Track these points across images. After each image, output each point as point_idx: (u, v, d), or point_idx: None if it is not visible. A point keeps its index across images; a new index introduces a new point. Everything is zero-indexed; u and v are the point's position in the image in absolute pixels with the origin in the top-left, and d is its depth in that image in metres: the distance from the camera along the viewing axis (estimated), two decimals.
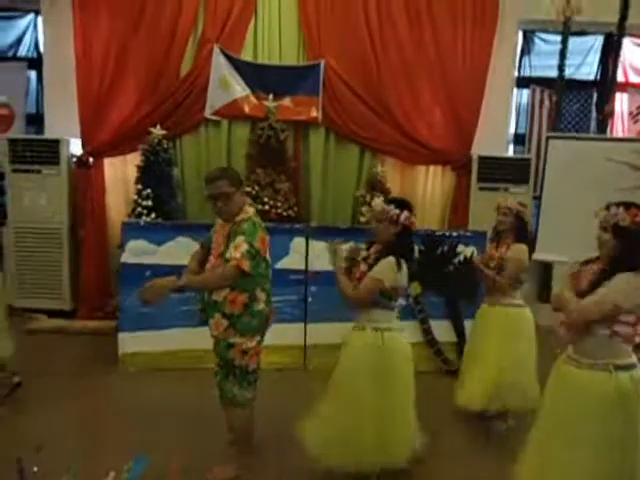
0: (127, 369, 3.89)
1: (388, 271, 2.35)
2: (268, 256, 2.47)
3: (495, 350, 2.99)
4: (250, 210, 2.45)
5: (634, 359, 1.95)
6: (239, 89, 4.89)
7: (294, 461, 2.62)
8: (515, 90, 5.50)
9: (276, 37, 4.96)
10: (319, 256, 3.99)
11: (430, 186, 5.22)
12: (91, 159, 4.93)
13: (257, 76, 4.88)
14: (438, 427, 2.97)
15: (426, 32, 4.90)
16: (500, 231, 3.14)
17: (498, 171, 4.96)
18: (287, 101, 4.88)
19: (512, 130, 5.60)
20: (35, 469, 1.29)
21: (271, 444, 2.84)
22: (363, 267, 2.43)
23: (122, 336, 3.95)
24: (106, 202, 5.05)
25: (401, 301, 2.50)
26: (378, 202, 2.49)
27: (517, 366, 2.97)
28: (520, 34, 5.42)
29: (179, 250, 3.84)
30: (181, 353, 3.93)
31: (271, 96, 4.77)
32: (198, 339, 3.61)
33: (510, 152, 5.58)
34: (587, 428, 1.89)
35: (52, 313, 4.83)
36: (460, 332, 4.03)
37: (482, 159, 4.96)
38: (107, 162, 5.02)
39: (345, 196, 5.10)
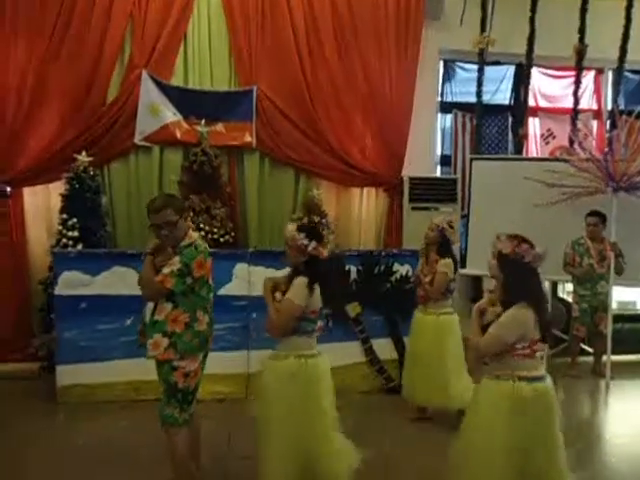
0: (65, 402, 3.72)
1: (300, 290, 2.37)
2: (211, 281, 2.50)
3: (427, 352, 3.43)
4: (194, 235, 2.49)
5: (539, 372, 2.18)
6: (170, 114, 4.80)
7: None
8: (439, 115, 5.83)
9: (207, 62, 4.95)
10: (261, 281, 3.95)
11: (365, 207, 5.36)
12: (8, 188, 4.61)
13: (188, 101, 4.82)
14: (380, 441, 3.09)
15: (354, 61, 5.09)
16: (427, 244, 3.56)
17: (428, 191, 5.20)
18: (220, 126, 4.85)
19: (439, 152, 5.90)
20: None
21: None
22: (278, 296, 2.45)
23: (60, 369, 3.81)
24: (26, 234, 4.72)
25: (320, 323, 2.53)
26: (290, 228, 2.49)
27: (443, 365, 3.39)
28: (441, 63, 5.77)
29: (117, 280, 3.78)
30: (119, 385, 3.83)
31: (203, 121, 4.72)
32: (136, 370, 3.61)
33: (438, 173, 5.86)
34: (495, 427, 2.11)
35: None
36: (401, 348, 4.11)
37: (412, 180, 5.18)
38: (27, 191, 4.72)
39: (282, 219, 5.07)
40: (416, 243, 4.30)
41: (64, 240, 4.26)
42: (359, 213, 5.36)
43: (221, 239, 4.56)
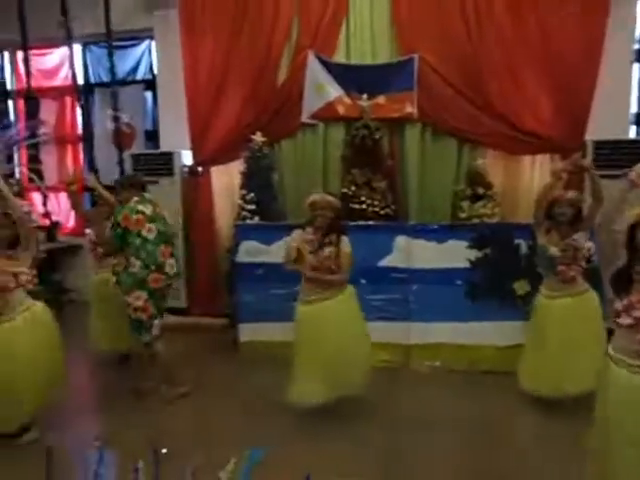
0: (245, 355, 4.24)
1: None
2: (145, 232, 3.35)
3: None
4: (132, 200, 3.44)
5: None
6: (333, 91, 4.96)
7: None
8: (636, 65, 4.92)
9: (368, 36, 4.96)
10: (421, 254, 3.96)
11: (537, 177, 4.86)
12: (200, 168, 5.33)
13: (350, 77, 4.92)
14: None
15: (526, 10, 4.55)
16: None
17: (619, 156, 4.47)
18: (381, 99, 4.85)
19: (634, 109, 5.02)
20: (164, 450, 1.43)
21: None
22: (327, 251, 3.09)
23: (241, 327, 4.34)
24: (214, 208, 5.43)
25: None
26: (322, 196, 3.23)
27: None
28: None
29: None
30: (289, 344, 4.15)
31: (365, 95, 4.79)
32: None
33: (632, 134, 5.01)
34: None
35: (169, 311, 5.31)
36: None
37: (598, 144, 4.51)
38: (214, 170, 5.39)
39: (444, 192, 4.94)
40: (601, 215, 3.79)
41: (243, 213, 4.79)
42: (530, 183, 4.88)
43: (381, 212, 4.62)
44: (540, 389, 3.25)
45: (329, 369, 3.04)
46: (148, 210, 3.43)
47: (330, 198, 3.21)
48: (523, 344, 3.61)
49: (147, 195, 3.61)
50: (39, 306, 3.05)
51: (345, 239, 3.15)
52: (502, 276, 3.93)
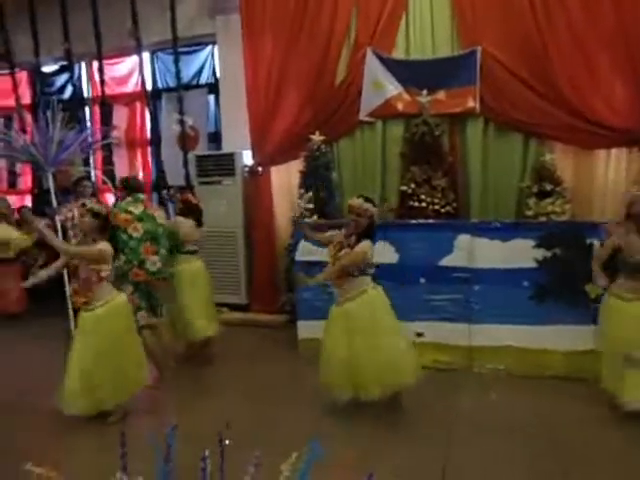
0: (304, 352, 4.30)
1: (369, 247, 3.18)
2: (131, 230, 3.69)
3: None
4: (125, 200, 3.87)
5: None
6: (391, 88, 4.90)
7: None
8: None
9: (428, 30, 4.86)
10: (484, 253, 3.85)
11: (612, 172, 4.53)
12: (260, 168, 5.46)
13: (409, 73, 4.84)
14: None
15: None
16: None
17: None
18: (441, 94, 4.74)
19: None
20: (227, 442, 1.48)
21: None
22: (343, 253, 3.21)
23: (300, 324, 4.41)
24: (274, 206, 5.53)
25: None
26: (357, 201, 3.25)
27: None
28: None
29: None
30: None
31: (425, 91, 4.70)
32: None
33: None
34: None
35: (230, 307, 5.49)
36: None
37: None
38: (274, 170, 5.50)
39: (508, 189, 4.75)
40: None
41: (302, 211, 4.85)
42: (605, 179, 4.57)
43: (442, 210, 4.52)
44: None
45: (349, 370, 3.14)
46: (137, 210, 3.77)
47: (367, 205, 3.21)
48: (594, 349, 3.41)
49: (140, 196, 3.93)
50: (122, 297, 3.40)
51: (366, 242, 3.15)
52: (573, 277, 3.72)
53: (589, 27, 4.34)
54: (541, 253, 3.81)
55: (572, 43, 4.40)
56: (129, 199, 3.86)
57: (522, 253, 3.84)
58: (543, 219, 4.26)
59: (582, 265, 3.65)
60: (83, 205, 3.34)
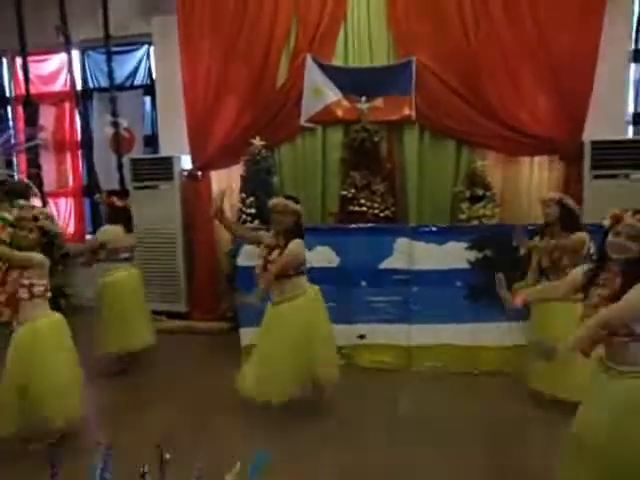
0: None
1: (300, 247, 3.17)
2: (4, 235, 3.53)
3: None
4: None
5: None
6: (331, 94, 4.98)
7: None
8: (632, 65, 4.95)
9: (366, 39, 4.98)
10: (422, 256, 3.97)
11: (536, 178, 4.88)
12: (199, 173, 5.34)
13: (349, 80, 4.94)
14: None
15: (523, 10, 4.56)
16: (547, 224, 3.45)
17: (616, 157, 4.50)
18: (379, 102, 4.88)
19: (631, 109, 5.04)
20: (167, 456, 1.43)
21: None
22: (274, 254, 3.15)
23: (243, 331, 4.28)
24: None
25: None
26: (280, 200, 3.28)
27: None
28: (637, 2, 4.86)
29: None
30: None
31: (363, 98, 4.81)
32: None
33: (630, 134, 5.03)
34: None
35: (170, 315, 5.32)
36: None
37: (596, 144, 4.53)
38: (214, 174, 5.40)
39: (443, 193, 4.96)
40: (598, 216, 3.80)
41: (243, 216, 4.80)
42: (529, 185, 4.91)
43: (381, 214, 4.64)
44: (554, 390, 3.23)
45: (295, 368, 3.15)
46: (10, 216, 3.65)
47: (287, 202, 3.20)
48: (524, 344, 3.62)
49: (21, 202, 3.84)
50: (55, 316, 3.07)
51: (296, 241, 3.13)
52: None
53: (514, 41, 4.64)
54: (473, 255, 4.01)
55: (499, 58, 4.68)
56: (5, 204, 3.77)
57: (456, 255, 4.01)
58: (475, 222, 4.48)
59: (510, 265, 3.88)
60: None
